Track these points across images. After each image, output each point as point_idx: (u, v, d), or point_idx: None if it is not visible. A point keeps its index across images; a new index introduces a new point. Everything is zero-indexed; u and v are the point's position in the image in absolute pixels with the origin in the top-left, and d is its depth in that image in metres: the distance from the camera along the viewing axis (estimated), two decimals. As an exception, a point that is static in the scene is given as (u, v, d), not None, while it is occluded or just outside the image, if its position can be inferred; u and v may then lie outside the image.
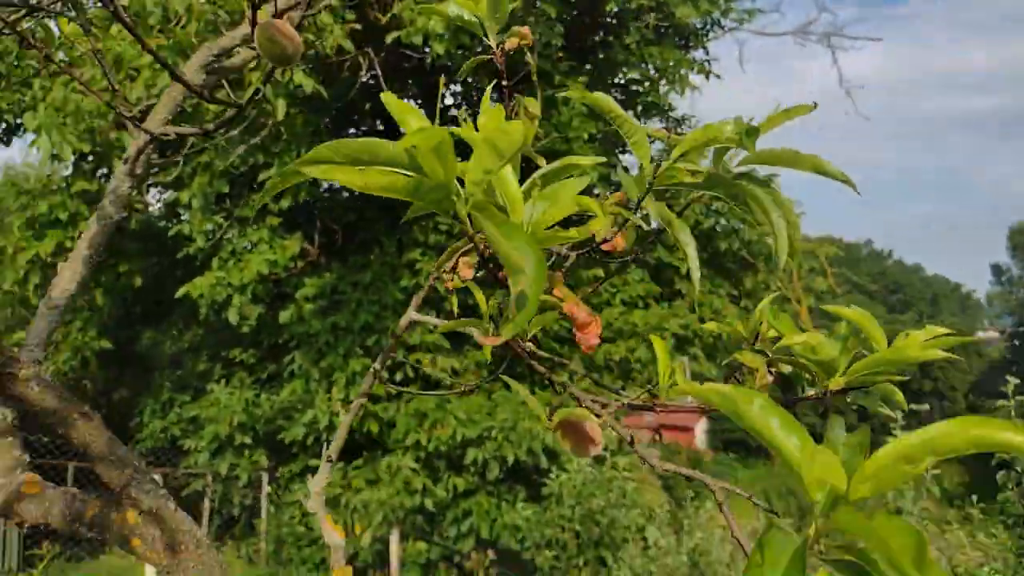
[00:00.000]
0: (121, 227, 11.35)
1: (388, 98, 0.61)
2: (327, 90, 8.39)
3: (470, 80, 12.25)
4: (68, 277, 1.79)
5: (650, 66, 11.85)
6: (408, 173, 0.57)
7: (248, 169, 9.97)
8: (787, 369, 0.95)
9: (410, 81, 10.69)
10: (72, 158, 9.75)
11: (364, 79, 9.64)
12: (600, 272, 12.70)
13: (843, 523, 0.49)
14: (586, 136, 9.57)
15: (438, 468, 11.20)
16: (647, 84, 12.35)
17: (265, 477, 11.78)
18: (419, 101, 11.16)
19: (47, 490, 1.67)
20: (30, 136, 8.60)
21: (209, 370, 12.30)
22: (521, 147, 0.59)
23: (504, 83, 1.15)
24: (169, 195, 11.22)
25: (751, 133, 1.11)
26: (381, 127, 12.30)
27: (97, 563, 9.12)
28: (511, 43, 1.14)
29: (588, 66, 11.60)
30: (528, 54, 1.20)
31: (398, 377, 10.85)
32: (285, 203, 10.46)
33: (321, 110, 9.74)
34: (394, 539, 9.88)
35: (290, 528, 10.59)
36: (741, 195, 1.13)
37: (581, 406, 0.98)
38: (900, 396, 0.94)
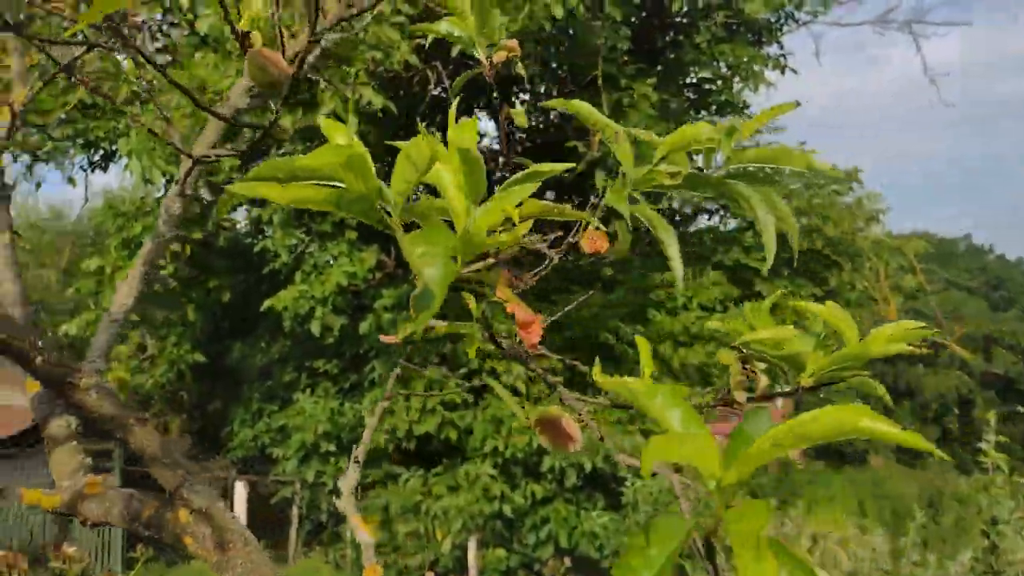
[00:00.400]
0: (209, 244, 11.92)
1: (324, 121, 0.67)
2: (397, 105, 8.61)
3: (541, 90, 12.33)
4: (126, 292, 1.93)
5: (722, 64, 11.67)
6: (335, 185, 0.62)
7: (326, 185, 10.33)
8: (762, 366, 0.96)
9: (475, 90, 10.85)
10: (163, 180, 10.30)
11: (433, 92, 9.85)
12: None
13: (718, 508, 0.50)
14: (655, 139, 9.49)
15: (516, 475, 11.29)
16: (720, 83, 12.16)
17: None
18: (486, 111, 11.31)
19: (108, 491, 1.79)
20: (125, 161, 9.15)
21: (295, 380, 12.73)
22: (432, 161, 0.63)
23: (495, 95, 1.20)
24: (253, 212, 11.70)
25: (730, 134, 1.12)
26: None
27: (188, 568, 9.56)
28: (499, 56, 1.18)
29: (658, 67, 11.51)
30: (517, 65, 1.23)
31: (475, 383, 10.99)
32: (362, 217, 10.76)
33: (393, 125, 9.98)
34: (473, 545, 9.99)
35: (371, 534, 10.82)
36: (728, 194, 1.14)
37: (564, 404, 1.01)
38: (881, 391, 0.92)
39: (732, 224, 13.94)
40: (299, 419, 11.69)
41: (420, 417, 10.68)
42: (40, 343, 1.67)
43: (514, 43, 1.18)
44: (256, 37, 1.05)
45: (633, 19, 10.91)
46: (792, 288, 12.57)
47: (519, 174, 0.96)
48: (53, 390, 1.75)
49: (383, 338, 0.80)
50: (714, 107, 12.17)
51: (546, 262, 1.18)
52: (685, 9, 10.89)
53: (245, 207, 12.50)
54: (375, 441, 11.27)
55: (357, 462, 1.52)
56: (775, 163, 1.19)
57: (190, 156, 1.68)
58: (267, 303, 10.90)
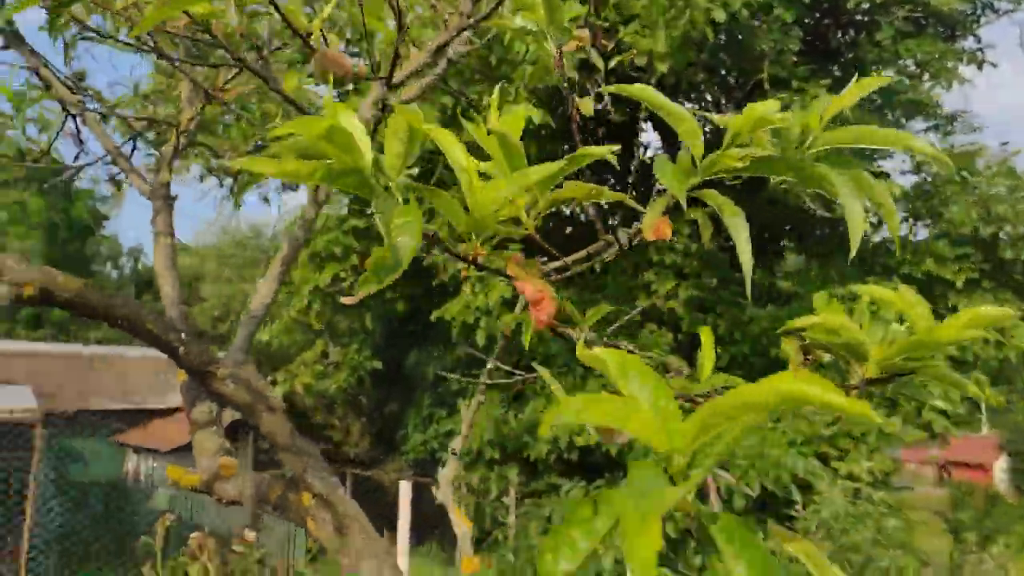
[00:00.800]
0: (385, 258, 12.79)
1: (326, 99, 0.69)
2: (557, 119, 8.72)
3: (708, 97, 12.01)
4: (265, 292, 2.09)
5: (908, 61, 10.82)
6: (330, 160, 0.65)
7: (490, 199, 10.65)
8: (826, 357, 0.87)
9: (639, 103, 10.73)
10: (344, 199, 11.07)
11: (597, 107, 9.86)
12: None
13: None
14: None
15: (680, 493, 10.99)
16: (907, 81, 11.28)
17: (513, 492, 12.30)
18: (650, 121, 11.16)
19: (241, 473, 1.94)
20: (309, 181, 9.91)
21: (463, 388, 13.14)
22: (417, 133, 0.64)
23: (566, 84, 1.19)
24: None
25: (813, 110, 1.04)
26: (618, 147, 12.47)
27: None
28: (570, 46, 1.18)
29: (834, 68, 10.88)
30: (592, 54, 1.22)
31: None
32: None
33: (554, 139, 10.12)
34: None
35: (534, 541, 10.96)
36: (811, 177, 1.06)
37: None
38: (972, 388, 0.81)
39: (923, 233, 12.86)
40: (465, 425, 12.06)
41: (580, 428, 10.68)
42: (184, 336, 1.84)
43: (584, 33, 1.17)
44: (333, 40, 1.11)
45: (806, 20, 10.39)
46: (995, 303, 11.36)
47: (567, 157, 0.95)
48: (196, 379, 1.93)
49: (343, 299, 0.82)
50: (900, 108, 11.30)
51: (612, 247, 1.16)
52: (866, 6, 10.22)
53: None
54: (537, 451, 11.38)
55: (455, 454, 1.56)
56: (868, 144, 1.10)
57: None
58: (436, 313, 11.37)
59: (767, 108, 0.97)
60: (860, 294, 0.90)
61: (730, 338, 11.43)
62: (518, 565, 11.77)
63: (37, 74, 2.48)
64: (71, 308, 1.66)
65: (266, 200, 11.31)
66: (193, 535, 6.30)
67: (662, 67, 7.98)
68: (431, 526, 13.27)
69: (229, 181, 11.37)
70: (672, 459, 0.46)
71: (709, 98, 11.24)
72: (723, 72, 11.20)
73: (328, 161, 0.64)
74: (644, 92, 1.04)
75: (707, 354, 0.94)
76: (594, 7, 9.22)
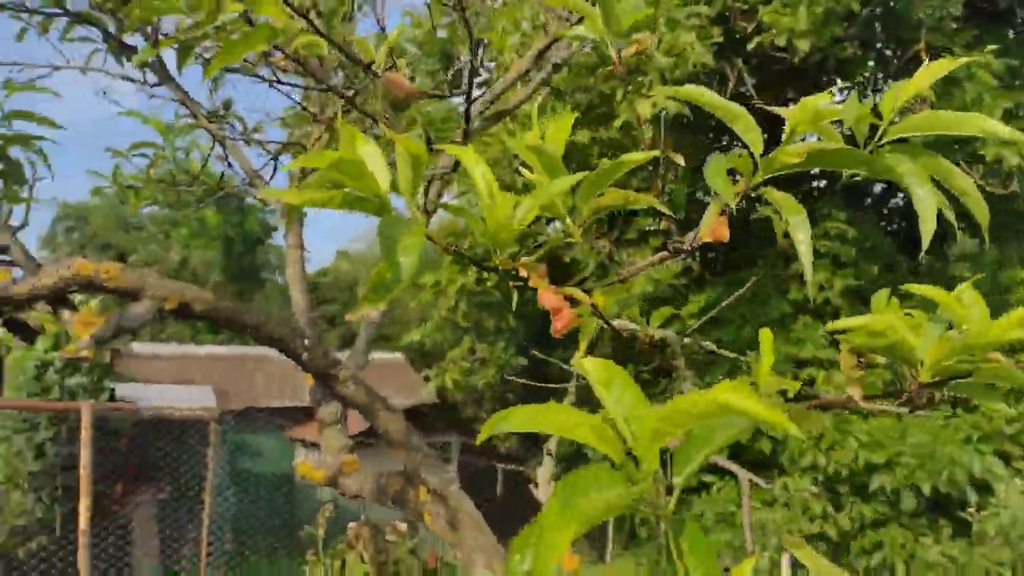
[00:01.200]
0: (526, 257, 13.06)
1: (340, 125, 0.74)
2: (694, 109, 8.52)
3: (864, 74, 11.33)
4: (382, 298, 2.22)
5: (1094, 17, 9.71)
6: (351, 188, 0.70)
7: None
8: (881, 360, 0.83)
9: (783, 84, 10.26)
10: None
11: (742, 91, 9.55)
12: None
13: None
14: (1000, 112, 8.17)
15: (841, 494, 10.41)
16: (1094, 39, 10.11)
17: (662, 490, 12.12)
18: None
19: (362, 468, 2.08)
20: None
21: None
22: (419, 158, 0.68)
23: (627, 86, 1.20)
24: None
25: (886, 98, 1.00)
26: (766, 138, 12.01)
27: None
28: (629, 51, 1.18)
29: (1008, 32, 9.95)
30: (647, 50, 1.22)
31: (790, 393, 10.37)
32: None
33: (692, 130, 9.89)
34: (786, 563, 9.41)
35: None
36: (880, 169, 1.01)
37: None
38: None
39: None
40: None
41: (729, 426, 10.37)
42: (307, 342, 1.99)
43: (644, 36, 1.17)
44: (400, 63, 1.18)
45: (970, -19, 9.57)
46: None
47: (604, 165, 0.96)
48: (320, 382, 2.08)
49: (347, 316, 0.87)
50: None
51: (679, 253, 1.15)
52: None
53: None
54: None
55: (550, 454, 1.59)
56: (940, 130, 1.03)
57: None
58: (578, 310, 11.44)
59: (820, 100, 0.94)
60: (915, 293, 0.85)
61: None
62: (665, 564, 11.61)
63: (186, 106, 2.75)
64: (207, 318, 1.84)
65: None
66: (351, 524, 6.71)
67: (803, 45, 7.61)
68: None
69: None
70: (641, 465, 0.48)
71: (866, 74, 10.58)
72: (878, 45, 10.52)
73: (347, 189, 0.70)
74: (694, 93, 1.03)
75: (765, 354, 0.92)
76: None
